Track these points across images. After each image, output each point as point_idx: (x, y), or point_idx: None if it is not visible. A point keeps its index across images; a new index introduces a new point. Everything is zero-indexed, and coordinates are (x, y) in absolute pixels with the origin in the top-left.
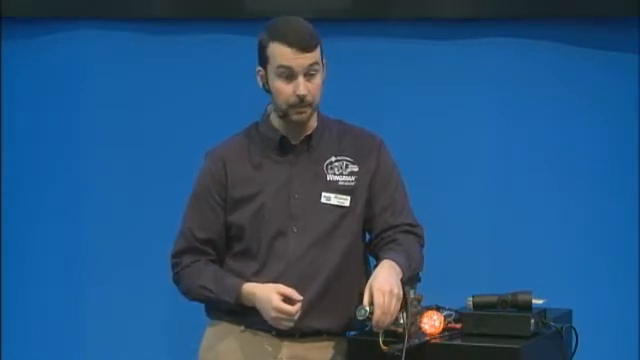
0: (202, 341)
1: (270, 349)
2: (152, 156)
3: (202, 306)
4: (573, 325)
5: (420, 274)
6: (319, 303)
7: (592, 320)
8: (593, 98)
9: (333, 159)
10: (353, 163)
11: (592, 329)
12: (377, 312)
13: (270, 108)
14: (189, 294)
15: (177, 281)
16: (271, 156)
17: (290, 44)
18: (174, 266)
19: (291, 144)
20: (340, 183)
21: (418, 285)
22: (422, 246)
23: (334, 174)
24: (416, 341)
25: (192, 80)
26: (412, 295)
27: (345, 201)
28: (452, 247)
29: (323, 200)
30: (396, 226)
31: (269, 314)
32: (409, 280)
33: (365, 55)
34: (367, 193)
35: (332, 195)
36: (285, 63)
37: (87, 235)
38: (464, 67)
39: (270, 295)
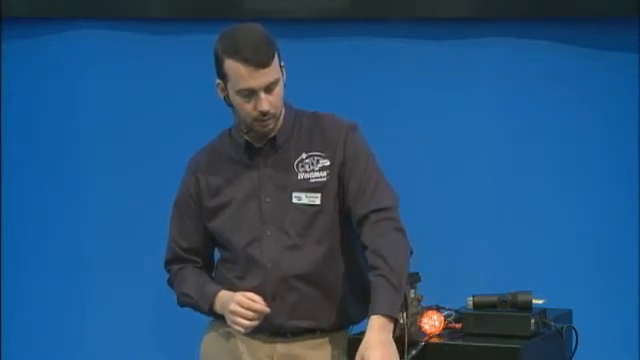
0: (202, 343)
1: (265, 349)
2: (152, 156)
3: None
4: (573, 325)
5: (420, 274)
6: (304, 304)
7: (592, 320)
8: (593, 98)
9: (304, 156)
10: (324, 157)
11: (592, 329)
12: None
13: None
14: (178, 301)
15: (171, 287)
16: (241, 161)
17: (246, 61)
18: (167, 273)
19: (256, 147)
20: (311, 181)
21: (418, 285)
22: (398, 230)
23: (305, 172)
24: (414, 352)
25: (192, 80)
26: (412, 295)
27: (316, 199)
28: (452, 247)
29: (294, 200)
30: (365, 216)
31: (229, 307)
32: (408, 280)
33: (365, 55)
34: (338, 186)
35: (303, 194)
36: (245, 86)
37: (85, 235)
38: (464, 67)
39: (234, 294)
